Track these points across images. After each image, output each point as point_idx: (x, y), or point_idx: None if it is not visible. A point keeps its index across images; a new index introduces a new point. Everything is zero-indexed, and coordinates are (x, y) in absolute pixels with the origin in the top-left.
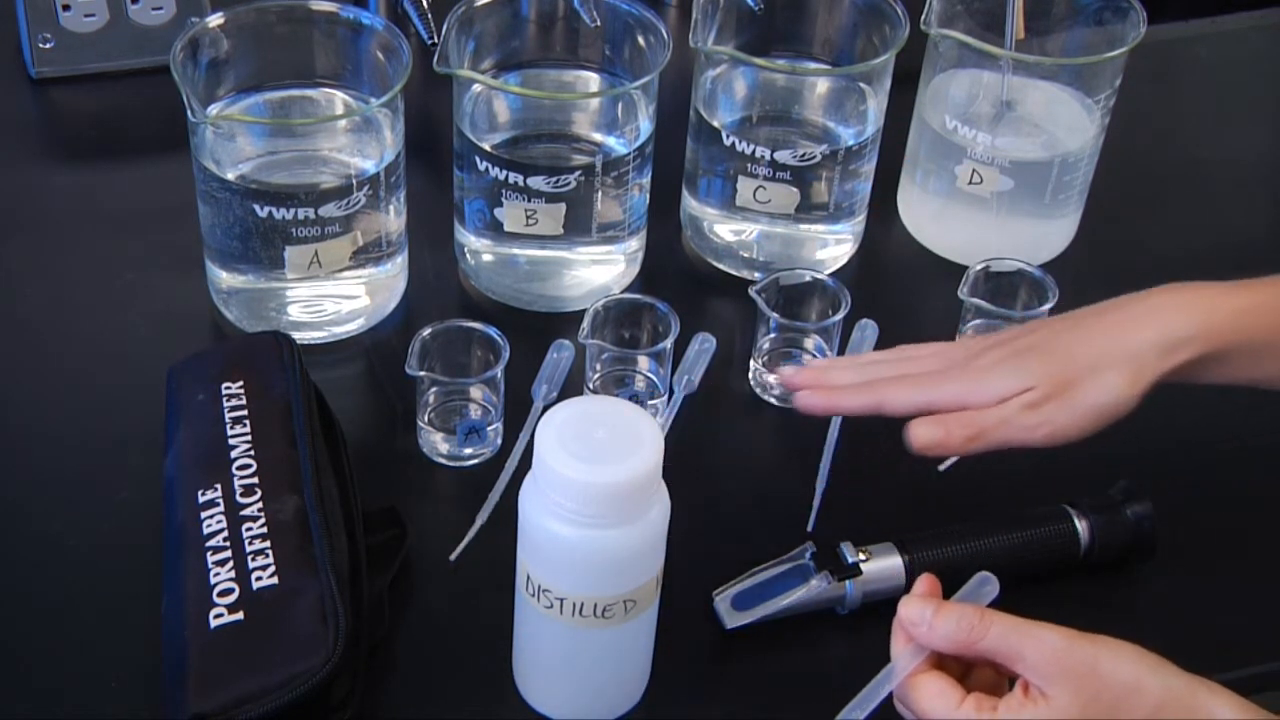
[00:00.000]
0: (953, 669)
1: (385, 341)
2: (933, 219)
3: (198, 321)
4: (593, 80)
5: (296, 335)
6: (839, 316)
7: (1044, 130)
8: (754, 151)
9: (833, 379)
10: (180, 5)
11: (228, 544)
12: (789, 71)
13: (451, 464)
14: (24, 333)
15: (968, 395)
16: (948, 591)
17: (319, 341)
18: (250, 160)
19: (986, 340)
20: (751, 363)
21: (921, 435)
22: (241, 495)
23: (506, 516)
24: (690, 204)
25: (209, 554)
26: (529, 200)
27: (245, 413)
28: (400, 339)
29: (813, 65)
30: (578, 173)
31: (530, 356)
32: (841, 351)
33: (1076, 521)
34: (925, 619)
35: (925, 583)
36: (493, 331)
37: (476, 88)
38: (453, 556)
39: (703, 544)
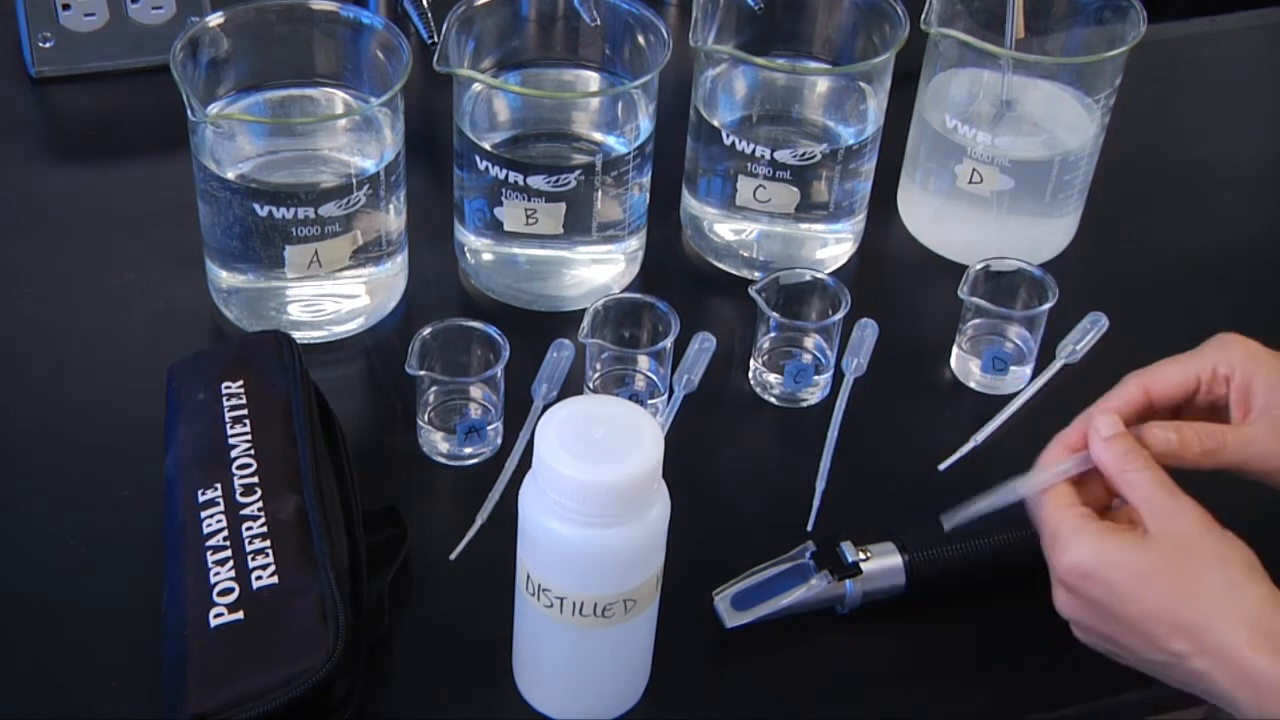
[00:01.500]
0: (1100, 497)
1: (385, 341)
2: (933, 218)
3: (198, 321)
4: (593, 79)
5: (296, 335)
6: (839, 316)
7: (1044, 130)
8: (754, 151)
9: None
10: (180, 4)
11: (228, 543)
12: (789, 71)
13: (451, 463)
14: (24, 332)
15: None
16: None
17: (319, 341)
18: (250, 159)
19: None
20: (751, 362)
21: (1157, 440)
22: (241, 495)
23: (506, 516)
24: (690, 203)
25: (209, 553)
26: (529, 199)
27: (245, 412)
28: (400, 338)
29: (813, 65)
30: (578, 172)
31: (530, 356)
32: (842, 350)
33: None
34: (1116, 427)
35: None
36: (493, 331)
37: (476, 87)
38: (453, 556)
39: (703, 544)
